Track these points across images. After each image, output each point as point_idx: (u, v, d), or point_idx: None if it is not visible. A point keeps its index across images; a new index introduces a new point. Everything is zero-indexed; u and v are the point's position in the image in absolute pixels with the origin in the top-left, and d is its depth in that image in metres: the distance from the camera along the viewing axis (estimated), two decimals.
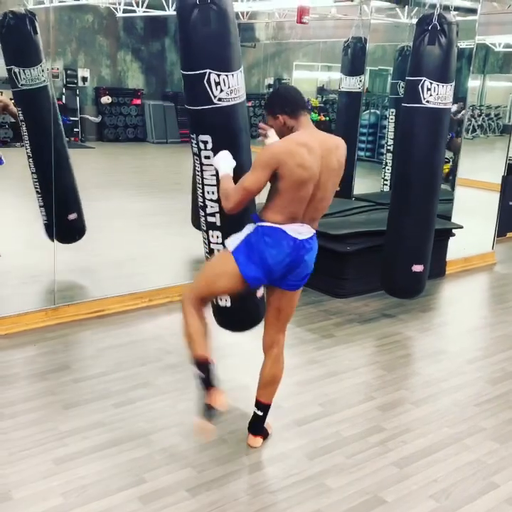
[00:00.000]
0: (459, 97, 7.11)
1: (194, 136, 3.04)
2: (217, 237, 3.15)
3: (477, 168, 8.58)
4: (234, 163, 2.83)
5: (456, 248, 5.76)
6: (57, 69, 12.55)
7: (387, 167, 6.98)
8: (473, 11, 5.63)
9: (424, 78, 4.12)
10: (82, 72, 12.99)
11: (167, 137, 13.43)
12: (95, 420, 3.07)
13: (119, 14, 10.45)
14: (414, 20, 4.53)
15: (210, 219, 3.15)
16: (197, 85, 2.91)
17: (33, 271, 4.91)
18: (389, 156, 6.98)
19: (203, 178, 3.09)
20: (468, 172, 7.13)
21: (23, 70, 4.61)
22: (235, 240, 2.73)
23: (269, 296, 2.88)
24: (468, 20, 5.87)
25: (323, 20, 8.83)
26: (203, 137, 2.99)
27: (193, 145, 3.06)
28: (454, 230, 5.63)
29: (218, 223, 3.13)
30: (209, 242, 3.21)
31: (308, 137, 2.64)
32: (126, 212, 7.22)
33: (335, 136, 2.83)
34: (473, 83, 14.36)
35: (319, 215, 2.76)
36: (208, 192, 3.09)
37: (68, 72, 12.76)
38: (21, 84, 4.62)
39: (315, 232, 2.76)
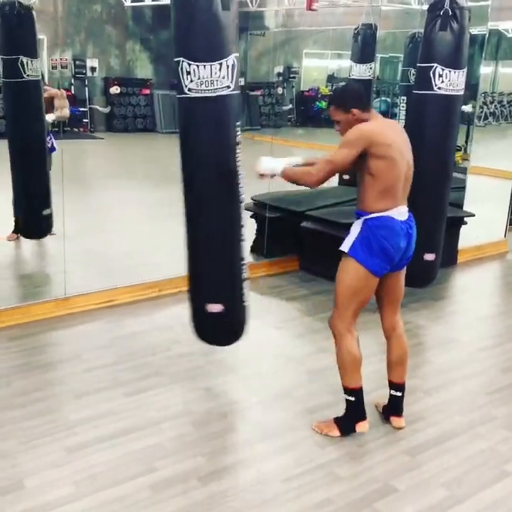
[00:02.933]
0: (471, 84, 7.02)
1: (238, 123, 3.01)
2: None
3: (489, 155, 8.50)
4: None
5: (467, 236, 5.71)
6: (66, 59, 12.55)
7: None
8: None
9: (435, 64, 4.06)
10: (91, 63, 12.96)
11: (176, 127, 13.39)
12: (106, 409, 3.08)
13: (128, 4, 10.40)
14: (425, 7, 4.47)
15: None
16: (176, 73, 2.83)
17: (43, 261, 4.92)
18: None
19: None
20: (480, 159, 7.06)
21: (31, 61, 4.59)
22: (348, 241, 2.79)
23: (382, 283, 2.90)
24: (481, 6, 5.79)
25: (333, 7, 8.74)
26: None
27: (238, 133, 3.02)
28: (465, 218, 5.58)
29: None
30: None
31: (382, 123, 2.82)
32: (136, 202, 7.22)
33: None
34: (485, 70, 14.22)
35: (406, 195, 2.86)
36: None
37: (77, 62, 12.74)
38: (27, 75, 4.59)
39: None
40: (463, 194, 5.76)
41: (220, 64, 2.77)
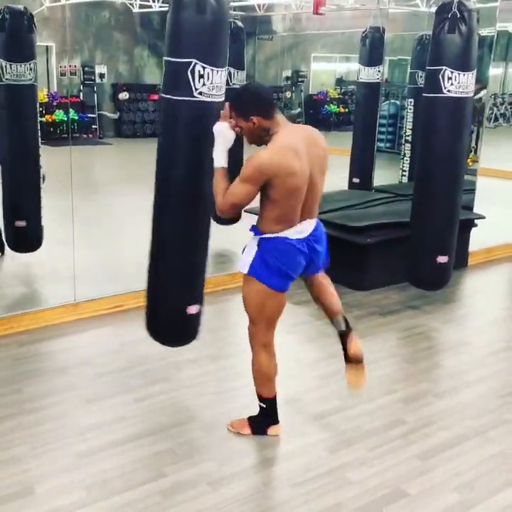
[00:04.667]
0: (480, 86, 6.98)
1: None
2: None
3: (500, 157, 8.46)
4: (230, 143, 2.65)
5: (478, 239, 5.67)
6: (75, 66, 12.62)
7: (405, 158, 6.89)
8: None
9: (444, 67, 4.04)
10: (100, 69, 13.04)
11: None
12: (116, 415, 3.08)
13: (136, 10, 10.42)
14: (433, 9, 4.46)
15: None
16: (178, 74, 2.78)
17: (52, 267, 4.94)
18: (407, 146, 6.89)
19: None
20: (490, 161, 7.03)
21: (10, 65, 4.60)
22: (245, 261, 2.71)
23: (306, 283, 2.95)
24: (489, 7, 5.77)
25: (341, 10, 8.73)
26: None
27: None
28: (476, 221, 5.55)
29: None
30: None
31: (291, 137, 2.57)
32: (145, 207, 7.22)
33: (306, 125, 2.86)
34: (495, 71, 14.15)
35: (316, 206, 2.74)
36: None
37: (85, 69, 12.83)
38: (6, 79, 4.61)
39: (316, 219, 2.77)
40: (473, 196, 5.73)
41: (226, 71, 2.84)
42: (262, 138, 2.62)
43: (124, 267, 5.13)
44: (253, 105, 2.56)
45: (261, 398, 2.90)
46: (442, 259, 4.35)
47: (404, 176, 6.97)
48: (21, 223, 4.88)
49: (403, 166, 7.02)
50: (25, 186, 4.86)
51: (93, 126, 12.71)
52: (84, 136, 12.29)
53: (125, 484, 2.59)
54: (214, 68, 2.77)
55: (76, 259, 4.33)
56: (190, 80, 2.75)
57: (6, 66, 4.58)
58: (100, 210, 7.07)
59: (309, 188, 2.63)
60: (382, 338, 4.14)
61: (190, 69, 2.74)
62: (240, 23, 5.57)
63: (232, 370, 3.59)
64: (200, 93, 2.77)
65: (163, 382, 3.41)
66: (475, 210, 5.69)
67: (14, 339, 3.87)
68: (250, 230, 2.73)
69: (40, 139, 4.89)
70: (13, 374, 3.46)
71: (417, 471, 2.74)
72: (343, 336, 2.95)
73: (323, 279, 2.96)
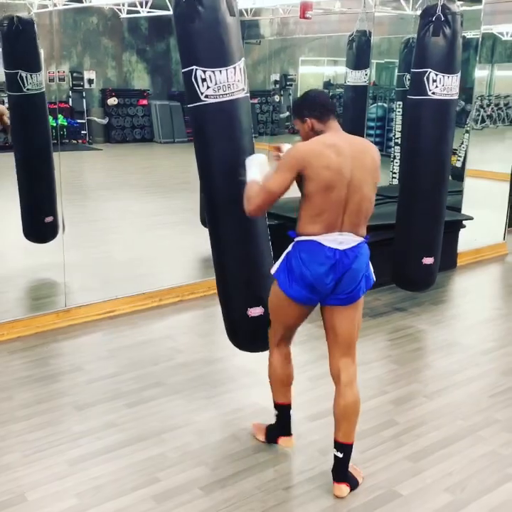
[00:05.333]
0: (466, 87, 7.05)
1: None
2: None
3: (487, 158, 8.52)
4: (266, 170, 2.68)
5: (467, 240, 5.71)
6: (64, 72, 12.60)
7: (395, 160, 6.94)
8: (478, 1, 5.58)
9: (429, 70, 4.09)
10: (88, 75, 13.02)
11: (174, 137, 13.44)
12: (108, 420, 3.08)
13: (123, 15, 10.44)
14: (419, 12, 4.50)
15: None
16: (187, 83, 2.82)
17: (43, 273, 4.93)
18: (397, 149, 6.94)
19: None
20: (477, 163, 7.08)
21: (30, 75, 4.64)
22: (276, 263, 2.66)
23: (323, 316, 2.69)
24: (474, 10, 5.82)
25: (328, 14, 8.78)
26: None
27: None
28: (464, 222, 5.59)
29: None
30: None
31: (336, 138, 2.55)
32: (136, 212, 7.24)
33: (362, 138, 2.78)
34: (481, 73, 14.25)
35: (362, 220, 2.56)
36: None
37: (74, 74, 12.81)
38: (27, 89, 4.64)
39: (363, 239, 2.57)
40: (461, 197, 5.77)
41: (234, 68, 2.82)
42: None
43: (115, 272, 5.14)
44: (309, 108, 2.62)
45: (274, 403, 2.90)
46: (428, 260, 4.38)
47: (395, 178, 7.01)
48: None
49: (393, 168, 7.07)
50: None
51: (82, 132, 12.68)
52: (74, 141, 12.26)
53: (117, 490, 2.59)
54: (215, 69, 2.78)
55: (67, 265, 4.33)
56: (195, 85, 2.80)
57: (26, 77, 4.65)
58: (91, 215, 7.06)
59: (352, 195, 2.50)
60: (371, 340, 4.15)
61: (193, 76, 2.78)
62: None
63: (224, 375, 3.60)
64: (206, 96, 2.80)
65: (155, 387, 3.41)
66: (463, 211, 5.73)
67: (5, 346, 3.85)
68: (289, 233, 2.61)
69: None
70: (5, 381, 3.45)
71: (409, 472, 2.76)
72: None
73: (344, 370, 2.70)
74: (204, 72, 2.77)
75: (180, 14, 2.76)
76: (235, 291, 3.06)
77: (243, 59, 2.89)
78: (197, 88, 2.79)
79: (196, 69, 2.77)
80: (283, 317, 2.73)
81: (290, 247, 2.60)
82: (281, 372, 2.84)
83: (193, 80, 2.78)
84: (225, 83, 2.81)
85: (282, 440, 2.92)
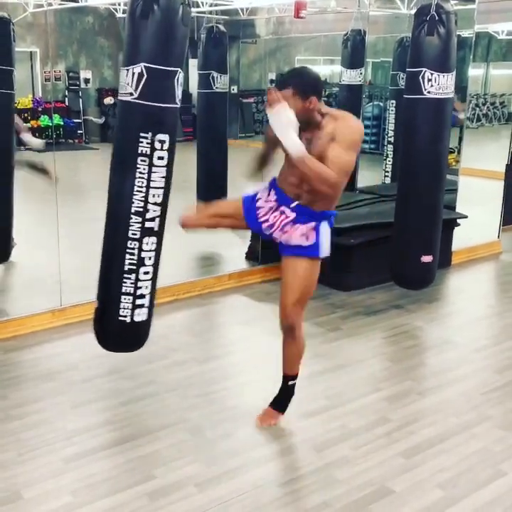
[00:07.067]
0: (461, 86, 7.07)
1: (149, 134, 2.81)
2: (153, 243, 2.91)
3: (482, 156, 8.54)
4: (296, 123, 2.56)
5: (461, 238, 5.74)
6: (60, 71, 12.60)
7: (388, 159, 6.95)
8: (471, 0, 5.59)
9: (424, 69, 4.10)
10: (84, 74, 13.01)
11: None
12: (103, 419, 3.10)
13: (119, 15, 10.43)
14: (414, 11, 4.51)
15: (149, 224, 2.87)
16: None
17: (38, 272, 4.94)
18: (390, 147, 6.95)
19: (149, 180, 2.84)
20: (472, 161, 7.10)
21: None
22: (326, 245, 2.81)
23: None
24: (468, 9, 5.83)
25: (323, 13, 8.79)
26: (160, 136, 2.81)
27: (144, 145, 2.82)
28: (458, 220, 5.61)
29: (156, 228, 2.90)
30: (140, 250, 2.90)
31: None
32: None
33: None
34: (476, 72, 14.28)
35: None
36: (154, 195, 2.85)
37: (70, 74, 12.79)
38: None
39: None
40: (455, 196, 5.79)
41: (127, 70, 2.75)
42: (312, 118, 2.65)
43: None
44: (313, 86, 2.64)
45: (293, 376, 3.04)
46: (426, 258, 4.40)
47: (388, 176, 7.03)
48: None
49: (386, 167, 7.08)
50: None
51: (79, 132, 12.67)
52: (70, 141, 12.26)
53: (112, 488, 2.61)
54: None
55: (62, 264, 4.34)
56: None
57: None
58: (86, 214, 7.05)
59: None
60: (366, 337, 4.17)
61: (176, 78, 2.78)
62: (222, 28, 5.61)
63: (219, 373, 3.62)
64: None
65: (150, 385, 3.43)
66: (458, 210, 5.75)
67: (0, 345, 3.86)
68: (321, 212, 2.76)
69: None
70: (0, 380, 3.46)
71: (402, 468, 2.78)
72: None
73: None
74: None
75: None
76: None
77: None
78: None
79: (179, 71, 2.78)
80: (315, 282, 2.91)
81: (327, 224, 2.80)
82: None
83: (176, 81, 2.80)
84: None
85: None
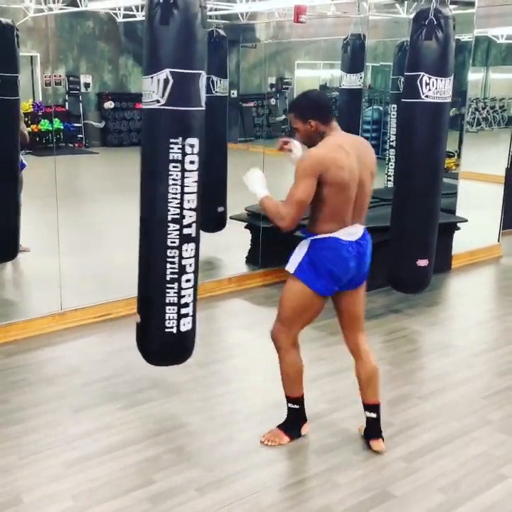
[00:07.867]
0: (461, 90, 7.08)
1: (179, 139, 2.81)
2: (192, 249, 2.94)
3: (482, 161, 8.55)
4: (265, 184, 2.77)
5: (461, 242, 5.74)
6: (60, 76, 12.62)
7: (390, 163, 6.96)
8: (470, 4, 5.61)
9: (422, 73, 4.12)
10: (85, 79, 13.04)
11: None
12: (104, 423, 3.10)
13: (120, 19, 10.46)
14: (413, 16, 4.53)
15: (187, 231, 2.91)
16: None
17: (39, 276, 4.94)
18: (392, 152, 6.96)
19: (183, 185, 2.85)
20: (472, 165, 7.11)
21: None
22: (294, 261, 2.77)
23: (338, 302, 2.90)
24: (468, 13, 5.85)
25: (322, 18, 8.81)
26: (190, 141, 2.83)
27: (175, 151, 2.82)
28: (458, 224, 5.62)
29: (193, 234, 2.94)
30: (180, 258, 2.92)
31: (341, 139, 2.72)
32: (132, 216, 7.23)
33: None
34: (476, 76, 14.29)
35: (365, 212, 2.81)
36: (189, 201, 2.87)
37: (70, 78, 12.82)
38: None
39: (364, 227, 2.82)
40: (455, 199, 5.80)
41: (152, 78, 2.77)
42: (315, 140, 2.72)
43: (111, 275, 5.14)
44: (312, 110, 2.71)
45: (292, 399, 2.96)
46: (422, 262, 4.41)
47: (390, 180, 7.03)
48: None
49: (388, 171, 7.08)
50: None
51: (79, 136, 12.70)
52: (70, 145, 12.28)
53: (113, 492, 2.60)
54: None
55: (62, 268, 4.34)
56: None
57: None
58: (87, 218, 7.07)
59: (359, 190, 2.71)
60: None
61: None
62: (222, 32, 5.62)
63: (219, 377, 3.62)
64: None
65: (151, 389, 3.43)
66: (458, 214, 5.76)
67: (1, 349, 3.86)
68: (301, 231, 2.78)
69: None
70: (0, 384, 3.46)
71: (403, 472, 2.78)
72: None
73: (362, 343, 2.96)
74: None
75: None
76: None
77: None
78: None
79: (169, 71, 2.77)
80: (306, 313, 2.83)
81: (307, 246, 2.74)
82: (301, 364, 2.93)
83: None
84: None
85: (304, 428, 3.00)
